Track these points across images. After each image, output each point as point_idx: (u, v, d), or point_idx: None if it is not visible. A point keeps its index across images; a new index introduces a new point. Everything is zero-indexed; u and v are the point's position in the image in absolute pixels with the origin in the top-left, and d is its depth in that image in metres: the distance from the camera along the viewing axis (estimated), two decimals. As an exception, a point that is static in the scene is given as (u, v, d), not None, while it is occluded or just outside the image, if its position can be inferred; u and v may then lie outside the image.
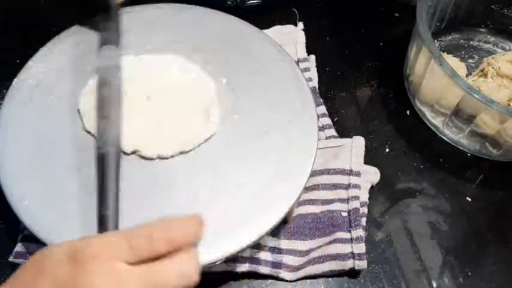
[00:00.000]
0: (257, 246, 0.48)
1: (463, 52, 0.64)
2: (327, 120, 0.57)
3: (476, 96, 0.49)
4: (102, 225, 0.38)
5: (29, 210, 0.45)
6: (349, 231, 0.49)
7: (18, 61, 0.56)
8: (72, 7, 0.58)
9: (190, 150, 0.48)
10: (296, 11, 0.65)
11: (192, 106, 0.51)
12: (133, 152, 0.48)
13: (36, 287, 0.30)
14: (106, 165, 0.41)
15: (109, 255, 0.30)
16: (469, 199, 0.55)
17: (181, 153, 0.48)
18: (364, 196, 0.52)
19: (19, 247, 0.48)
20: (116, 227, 0.38)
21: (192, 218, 0.33)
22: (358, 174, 0.52)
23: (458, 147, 0.57)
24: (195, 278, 0.32)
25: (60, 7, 0.63)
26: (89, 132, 0.49)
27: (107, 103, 0.44)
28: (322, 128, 0.56)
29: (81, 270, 0.30)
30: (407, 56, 0.59)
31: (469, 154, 0.57)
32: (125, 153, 0.48)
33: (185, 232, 0.32)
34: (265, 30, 0.60)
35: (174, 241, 0.32)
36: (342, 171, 0.52)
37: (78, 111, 0.50)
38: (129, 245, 0.31)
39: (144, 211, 0.45)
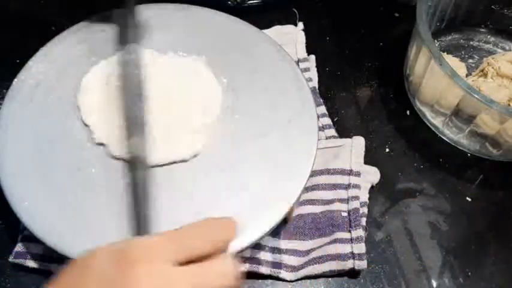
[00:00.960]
0: (257, 246, 0.48)
1: (463, 52, 0.64)
2: (327, 120, 0.57)
3: (476, 96, 0.49)
4: (142, 226, 0.40)
5: (29, 210, 0.45)
6: (349, 231, 0.49)
7: (18, 61, 0.56)
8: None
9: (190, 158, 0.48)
10: (296, 11, 0.65)
11: (192, 106, 0.51)
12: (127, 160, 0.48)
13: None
14: (136, 171, 0.43)
15: (155, 257, 0.31)
16: (469, 199, 0.55)
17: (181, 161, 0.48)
18: (364, 196, 0.52)
19: (19, 247, 0.48)
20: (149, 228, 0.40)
21: (227, 219, 0.34)
22: (358, 174, 0.52)
23: (458, 147, 0.57)
24: (237, 278, 0.32)
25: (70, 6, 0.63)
26: (86, 125, 0.49)
27: (134, 119, 0.46)
28: (322, 128, 0.56)
29: (128, 272, 0.30)
30: (407, 56, 0.59)
31: (469, 154, 0.57)
32: (117, 158, 0.48)
33: (225, 233, 0.33)
34: (265, 30, 0.60)
35: (216, 242, 0.33)
36: (342, 171, 0.52)
37: (78, 108, 0.50)
38: (174, 246, 0.32)
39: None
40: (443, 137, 0.57)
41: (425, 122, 0.58)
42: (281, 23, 0.64)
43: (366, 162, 0.54)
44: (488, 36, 0.65)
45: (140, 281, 0.30)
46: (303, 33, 0.63)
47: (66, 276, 0.32)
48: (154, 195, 0.46)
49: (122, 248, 0.32)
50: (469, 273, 0.50)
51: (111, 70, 0.53)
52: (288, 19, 0.65)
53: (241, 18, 0.58)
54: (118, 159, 0.48)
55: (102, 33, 0.56)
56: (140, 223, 0.41)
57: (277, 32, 0.63)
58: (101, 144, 0.49)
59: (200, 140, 0.49)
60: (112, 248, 0.32)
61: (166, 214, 0.45)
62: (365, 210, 0.51)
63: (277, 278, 0.48)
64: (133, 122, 0.46)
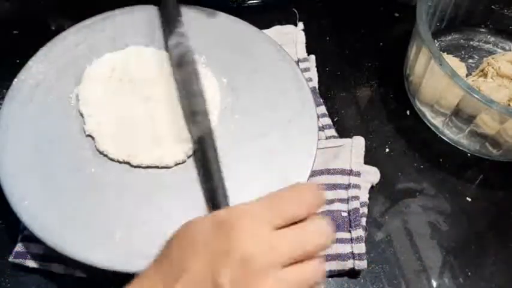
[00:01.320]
0: (257, 246, 0.48)
1: (463, 52, 0.64)
2: (327, 120, 0.57)
3: (476, 96, 0.49)
4: (215, 198, 0.43)
5: (29, 210, 0.45)
6: (349, 231, 0.49)
7: (18, 61, 0.56)
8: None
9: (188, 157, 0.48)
10: (296, 11, 0.65)
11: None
12: (127, 162, 0.48)
13: (189, 259, 0.31)
14: (205, 148, 0.45)
15: (255, 221, 0.32)
16: (469, 199, 0.55)
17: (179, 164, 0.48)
18: (364, 196, 0.52)
19: (19, 247, 0.48)
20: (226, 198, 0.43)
21: (313, 185, 0.35)
22: (358, 174, 0.52)
23: (458, 147, 0.57)
24: (333, 236, 0.34)
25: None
26: (89, 136, 0.49)
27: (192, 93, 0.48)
28: (322, 128, 0.56)
29: (231, 238, 0.31)
30: (407, 56, 0.59)
31: (469, 154, 0.57)
32: (118, 161, 0.48)
33: (314, 197, 0.34)
34: (265, 30, 0.60)
35: (309, 205, 0.34)
36: (342, 171, 0.52)
37: (80, 113, 0.50)
38: (272, 211, 0.33)
39: (144, 213, 0.45)
40: (443, 137, 0.57)
41: (425, 122, 0.58)
42: (281, 23, 0.64)
43: (366, 162, 0.54)
44: (488, 36, 0.65)
45: (244, 245, 0.30)
46: (303, 33, 0.63)
47: (169, 251, 0.32)
48: (152, 195, 0.46)
49: (223, 217, 0.32)
50: (469, 273, 0.50)
51: (114, 64, 0.53)
52: (288, 19, 0.65)
53: (241, 18, 0.58)
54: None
55: (102, 33, 0.56)
56: (218, 195, 0.43)
57: (277, 32, 0.63)
58: (90, 136, 0.49)
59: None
60: (211, 218, 0.33)
61: (165, 214, 0.45)
62: (365, 210, 0.51)
63: (277, 278, 0.48)
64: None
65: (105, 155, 0.48)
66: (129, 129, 0.49)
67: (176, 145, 0.48)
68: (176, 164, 0.48)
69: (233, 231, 0.31)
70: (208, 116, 0.47)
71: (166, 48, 0.54)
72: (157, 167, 0.48)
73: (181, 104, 0.50)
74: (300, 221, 0.33)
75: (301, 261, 0.32)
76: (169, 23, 0.53)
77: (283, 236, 0.32)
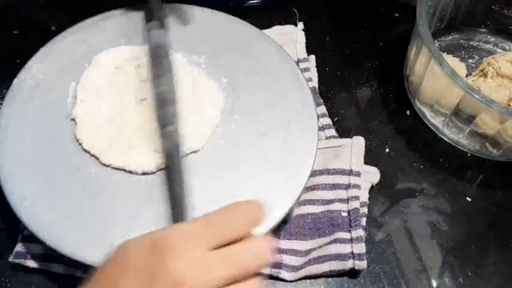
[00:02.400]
0: (257, 246, 0.48)
1: (463, 52, 0.64)
2: (327, 120, 0.57)
3: (476, 96, 0.49)
4: (176, 209, 0.42)
5: (29, 210, 0.45)
6: (349, 231, 0.49)
7: (18, 61, 0.56)
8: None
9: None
10: (296, 11, 0.65)
11: (191, 107, 0.51)
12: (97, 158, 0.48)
13: (121, 283, 0.31)
14: (172, 164, 0.44)
15: (192, 243, 0.31)
16: (469, 199, 0.55)
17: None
18: (364, 196, 0.52)
19: (19, 247, 0.48)
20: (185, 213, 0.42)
21: (254, 201, 0.35)
22: (358, 174, 0.52)
23: (458, 147, 0.57)
24: (270, 257, 0.33)
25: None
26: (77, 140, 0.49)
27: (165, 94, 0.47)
28: (322, 128, 0.56)
29: (164, 260, 0.30)
30: (407, 56, 0.59)
31: (469, 154, 0.57)
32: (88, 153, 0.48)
33: (255, 214, 0.34)
34: (265, 30, 0.60)
35: (249, 223, 0.33)
36: (342, 171, 0.52)
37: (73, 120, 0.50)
38: (210, 231, 0.32)
39: (144, 213, 0.45)
40: (443, 137, 0.57)
41: (425, 122, 0.58)
42: (281, 23, 0.64)
43: (366, 162, 0.54)
44: (488, 36, 0.65)
45: (176, 268, 0.30)
46: (303, 33, 0.63)
47: (103, 274, 0.32)
48: (153, 194, 0.46)
49: (157, 237, 0.32)
50: (469, 273, 0.50)
51: (124, 57, 0.53)
52: (288, 19, 0.65)
53: (241, 18, 0.58)
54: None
55: (102, 33, 0.56)
56: (176, 211, 0.42)
57: (277, 32, 0.63)
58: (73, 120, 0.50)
59: (199, 139, 0.49)
60: (147, 239, 0.32)
61: (166, 214, 0.45)
62: (365, 210, 0.51)
63: (277, 278, 0.48)
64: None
65: (80, 144, 0.48)
66: (111, 127, 0.49)
67: (149, 154, 0.48)
68: (143, 173, 0.47)
69: (168, 252, 0.30)
70: (177, 126, 0.46)
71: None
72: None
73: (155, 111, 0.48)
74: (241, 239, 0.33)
75: (238, 281, 0.32)
76: (150, 21, 0.53)
77: (218, 256, 0.31)
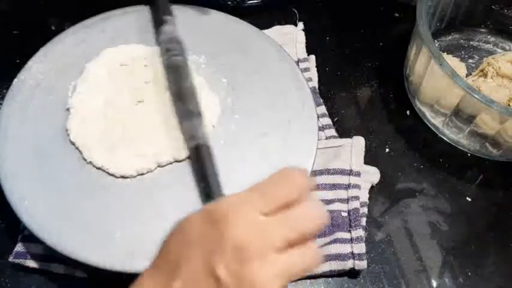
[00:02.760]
0: (257, 246, 0.48)
1: (463, 52, 0.64)
2: (327, 120, 0.57)
3: (476, 96, 0.49)
4: (209, 192, 0.44)
5: (29, 210, 0.45)
6: (349, 231, 0.49)
7: (18, 61, 0.56)
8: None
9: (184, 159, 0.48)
10: (296, 11, 0.65)
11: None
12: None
13: (184, 255, 0.31)
14: (202, 156, 0.46)
15: (246, 210, 0.32)
16: (469, 199, 0.55)
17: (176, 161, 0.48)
18: (364, 196, 0.52)
19: (19, 247, 0.48)
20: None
21: (299, 169, 0.35)
22: (358, 174, 0.52)
23: (458, 147, 0.57)
24: (324, 220, 0.33)
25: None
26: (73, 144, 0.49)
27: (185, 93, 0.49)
28: (322, 128, 0.56)
29: (222, 229, 0.31)
30: (407, 56, 0.59)
31: (469, 154, 0.57)
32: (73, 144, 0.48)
33: (304, 179, 0.34)
34: (265, 30, 0.60)
35: (301, 188, 0.33)
36: (342, 171, 0.52)
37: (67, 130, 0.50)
38: (262, 197, 0.32)
39: (144, 213, 0.45)
40: (443, 137, 0.57)
41: (425, 122, 0.58)
42: (281, 23, 0.64)
43: (366, 162, 0.54)
44: (488, 36, 0.65)
45: (239, 235, 0.30)
46: (303, 33, 0.63)
47: (168, 245, 0.33)
48: (153, 195, 0.46)
49: (213, 208, 0.32)
50: (469, 273, 0.50)
51: (128, 55, 0.54)
52: (288, 19, 0.65)
53: (241, 18, 0.58)
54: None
55: (102, 33, 0.56)
56: (213, 188, 0.44)
57: (277, 32, 0.63)
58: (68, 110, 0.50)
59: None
60: (204, 210, 0.32)
61: (166, 213, 0.45)
62: (365, 210, 0.51)
63: (277, 278, 0.48)
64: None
65: (68, 134, 0.48)
66: (100, 123, 0.49)
67: (130, 157, 0.47)
68: (122, 177, 0.47)
69: (223, 221, 0.31)
70: (202, 118, 0.48)
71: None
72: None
73: (174, 106, 0.50)
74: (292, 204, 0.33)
75: (297, 244, 0.32)
76: (158, 20, 0.54)
77: (275, 220, 0.32)
